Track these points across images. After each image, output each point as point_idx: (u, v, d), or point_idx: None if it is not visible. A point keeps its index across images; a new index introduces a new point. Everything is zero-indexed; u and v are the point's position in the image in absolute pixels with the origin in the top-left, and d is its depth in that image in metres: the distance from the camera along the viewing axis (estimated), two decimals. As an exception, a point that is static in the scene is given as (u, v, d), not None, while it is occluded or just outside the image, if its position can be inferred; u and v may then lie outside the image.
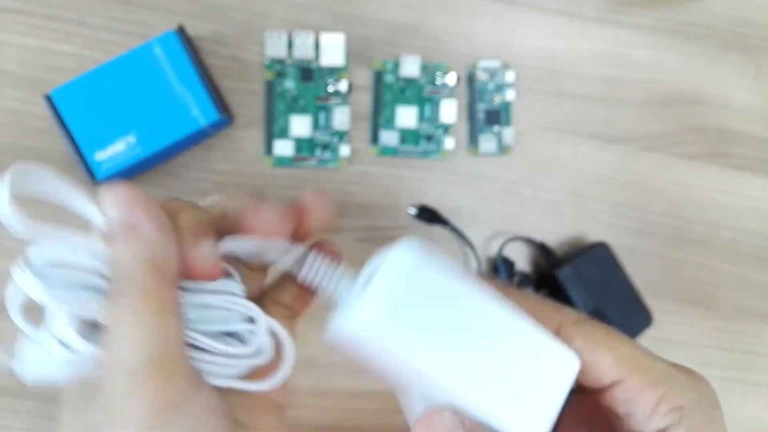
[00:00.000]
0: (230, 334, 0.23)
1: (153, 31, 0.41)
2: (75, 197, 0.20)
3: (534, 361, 0.21)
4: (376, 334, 0.20)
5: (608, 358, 0.23)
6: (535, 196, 0.45)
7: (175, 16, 0.42)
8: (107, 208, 0.20)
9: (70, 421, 0.19)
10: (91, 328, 0.20)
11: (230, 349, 0.22)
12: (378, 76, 0.44)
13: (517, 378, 0.21)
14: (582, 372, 0.23)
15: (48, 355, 0.19)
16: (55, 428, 0.20)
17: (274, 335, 0.23)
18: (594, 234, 0.45)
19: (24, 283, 0.18)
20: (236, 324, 0.22)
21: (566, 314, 0.24)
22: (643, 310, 0.43)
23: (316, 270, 0.23)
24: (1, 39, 0.41)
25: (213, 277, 0.21)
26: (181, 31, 0.40)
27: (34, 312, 0.20)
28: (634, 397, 0.22)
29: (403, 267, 0.21)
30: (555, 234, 0.45)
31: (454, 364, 0.20)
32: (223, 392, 0.21)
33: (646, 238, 0.46)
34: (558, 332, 0.23)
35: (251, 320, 0.23)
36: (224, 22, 0.43)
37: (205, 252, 0.21)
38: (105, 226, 0.20)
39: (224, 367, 0.22)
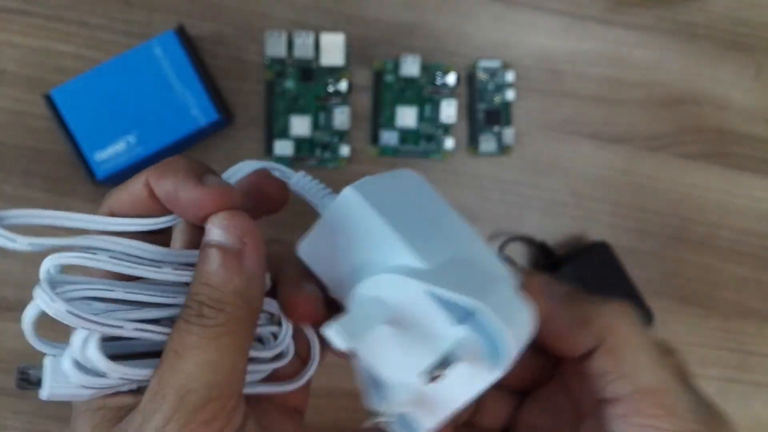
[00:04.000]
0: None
1: (153, 31, 0.41)
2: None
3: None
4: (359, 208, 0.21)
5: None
6: (535, 196, 0.45)
7: (175, 16, 0.42)
8: (214, 230, 0.19)
9: None
10: (111, 348, 0.18)
11: (258, 354, 0.21)
12: (378, 76, 0.44)
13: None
14: (560, 338, 0.23)
15: (66, 373, 0.18)
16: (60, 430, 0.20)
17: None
18: (594, 234, 0.45)
19: (44, 302, 0.16)
20: (260, 327, 0.21)
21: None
22: (643, 310, 0.43)
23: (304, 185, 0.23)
24: (2, 39, 0.41)
25: (312, 321, 0.22)
26: (181, 31, 0.40)
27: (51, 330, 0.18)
28: (618, 357, 0.22)
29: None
30: (555, 234, 0.45)
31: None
32: (251, 405, 0.20)
33: (646, 238, 0.46)
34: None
35: (271, 320, 0.22)
36: (224, 22, 0.43)
37: (312, 297, 0.21)
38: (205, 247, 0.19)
39: (249, 374, 0.21)
